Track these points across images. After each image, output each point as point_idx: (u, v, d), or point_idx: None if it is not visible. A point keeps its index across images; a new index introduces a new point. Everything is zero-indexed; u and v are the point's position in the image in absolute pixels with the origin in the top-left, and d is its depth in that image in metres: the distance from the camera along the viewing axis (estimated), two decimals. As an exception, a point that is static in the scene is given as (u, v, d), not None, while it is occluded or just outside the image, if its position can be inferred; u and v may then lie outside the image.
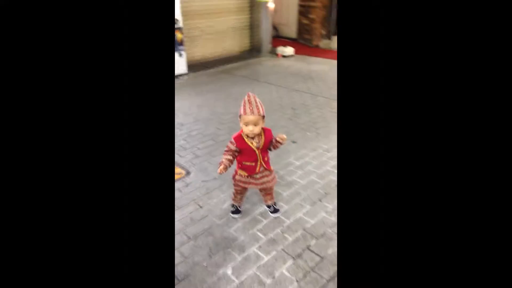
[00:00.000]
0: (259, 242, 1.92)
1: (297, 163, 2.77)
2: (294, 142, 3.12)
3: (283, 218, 2.11)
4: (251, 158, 1.85)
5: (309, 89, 4.67)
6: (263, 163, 1.88)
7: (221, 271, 1.73)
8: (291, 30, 7.87)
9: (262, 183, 1.95)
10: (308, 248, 1.87)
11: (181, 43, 5.38)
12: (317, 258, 1.79)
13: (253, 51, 7.14)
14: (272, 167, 1.98)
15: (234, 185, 2.04)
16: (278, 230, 2.01)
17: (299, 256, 1.81)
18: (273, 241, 1.92)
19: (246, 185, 1.98)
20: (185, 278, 1.69)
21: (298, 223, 2.07)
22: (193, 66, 5.94)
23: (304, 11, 7.29)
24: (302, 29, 7.54)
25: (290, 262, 1.78)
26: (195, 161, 2.82)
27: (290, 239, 1.93)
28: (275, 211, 2.14)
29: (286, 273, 1.71)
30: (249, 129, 1.75)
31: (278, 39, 7.68)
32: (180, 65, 5.52)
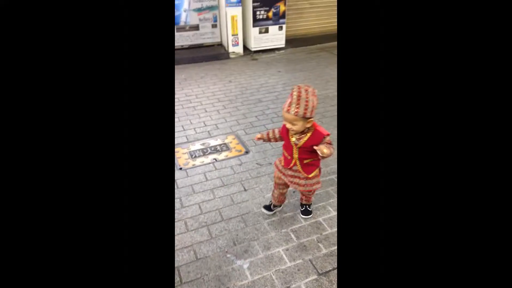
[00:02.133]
0: (288, 244, 1.74)
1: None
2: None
3: (325, 225, 1.87)
4: (287, 151, 1.68)
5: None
6: (298, 163, 1.66)
7: (238, 263, 1.64)
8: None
9: (291, 182, 1.73)
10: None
11: (283, 16, 5.19)
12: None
13: (365, 29, 6.42)
14: (315, 175, 1.69)
15: (275, 172, 1.86)
16: (314, 237, 1.78)
17: (326, 274, 1.57)
18: (303, 248, 1.72)
19: (279, 174, 1.78)
20: (203, 257, 1.67)
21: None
22: (293, 41, 5.71)
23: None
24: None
25: (313, 277, 1.56)
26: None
27: (324, 251, 1.69)
28: (306, 213, 1.94)
29: (303, 289, 1.51)
30: (287, 126, 1.57)
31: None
32: (278, 38, 5.37)
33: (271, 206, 1.96)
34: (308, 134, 1.57)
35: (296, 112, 1.47)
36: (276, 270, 1.60)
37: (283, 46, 5.46)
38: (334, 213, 1.95)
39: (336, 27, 6.18)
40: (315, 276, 1.56)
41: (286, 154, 1.69)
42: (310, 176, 1.68)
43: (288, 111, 1.48)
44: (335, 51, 5.27)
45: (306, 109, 1.47)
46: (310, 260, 1.65)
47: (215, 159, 2.55)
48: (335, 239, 1.76)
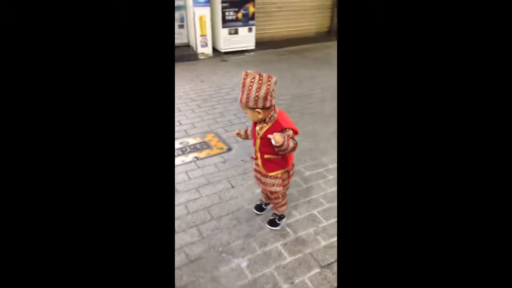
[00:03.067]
0: (286, 239, 1.66)
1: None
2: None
3: (320, 217, 1.81)
4: (254, 142, 1.55)
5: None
6: (259, 156, 1.53)
7: (235, 262, 1.53)
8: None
9: (255, 177, 1.64)
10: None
11: (252, 17, 5.18)
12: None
13: (331, 34, 6.63)
14: (276, 176, 1.55)
15: None
16: (311, 230, 1.72)
17: (329, 266, 1.51)
18: (302, 242, 1.64)
19: (255, 167, 1.63)
20: (197, 259, 1.53)
21: (335, 227, 1.74)
22: (262, 43, 5.72)
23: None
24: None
25: (316, 270, 1.49)
26: (236, 138, 2.64)
27: (323, 243, 1.63)
28: (271, 223, 1.72)
29: (308, 283, 1.43)
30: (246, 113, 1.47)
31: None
32: (248, 40, 5.34)
33: (262, 205, 1.84)
34: (269, 124, 1.44)
35: (247, 101, 1.35)
36: (276, 266, 1.50)
37: (253, 48, 5.43)
38: (327, 205, 1.90)
39: (302, 31, 6.34)
40: (317, 269, 1.49)
41: (254, 147, 1.58)
42: (269, 174, 1.54)
43: (240, 100, 1.40)
44: (304, 54, 5.36)
45: (248, 99, 1.34)
46: (310, 253, 1.57)
47: (196, 157, 2.41)
48: (333, 230, 1.71)
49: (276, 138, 1.31)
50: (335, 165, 2.29)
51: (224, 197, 1.97)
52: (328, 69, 4.55)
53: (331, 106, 3.30)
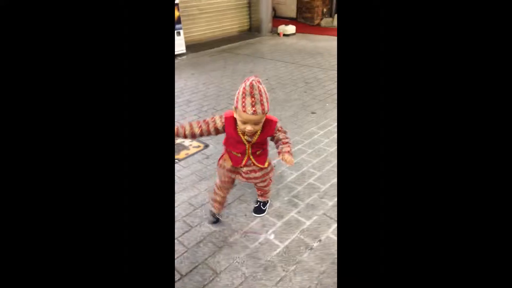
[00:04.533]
0: (298, 208, 1.80)
1: (321, 132, 2.65)
2: (313, 113, 2.99)
3: (318, 184, 2.00)
4: (237, 149, 1.44)
5: (319, 64, 4.52)
6: (252, 158, 1.46)
7: (262, 237, 1.61)
8: (290, 9, 7.66)
9: (248, 178, 1.55)
10: (350, 211, 1.76)
11: (178, 21, 5.15)
12: (363, 221, 1.69)
13: (252, 31, 6.93)
14: (269, 164, 1.56)
15: (218, 171, 1.59)
16: (315, 196, 1.89)
17: (343, 219, 1.71)
18: (312, 207, 1.81)
19: (231, 175, 1.55)
20: (225, 245, 1.57)
21: (335, 188, 1.95)
22: (191, 46, 5.71)
23: (303, -11, 7.09)
24: (302, 7, 7.34)
25: (334, 225, 1.67)
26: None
27: (330, 203, 1.82)
28: (258, 211, 1.73)
29: (333, 236, 1.60)
30: (246, 128, 1.30)
31: (277, 19, 7.47)
32: (178, 44, 5.29)
33: (216, 216, 1.69)
34: (260, 128, 1.36)
35: (263, 108, 1.24)
36: (300, 231, 1.64)
37: (184, 52, 5.40)
38: (319, 173, 2.10)
39: (226, 31, 6.51)
40: (335, 225, 1.67)
41: (234, 153, 1.46)
42: (265, 166, 1.53)
43: (255, 112, 1.23)
44: (235, 51, 5.53)
45: (268, 102, 1.28)
46: (324, 213, 1.75)
47: (176, 159, 2.38)
48: (334, 191, 1.92)
49: (290, 160, 1.34)
50: (309, 140, 2.52)
51: (224, 187, 2.01)
52: (263, 62, 4.80)
53: (282, 93, 3.54)
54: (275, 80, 3.96)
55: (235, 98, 1.29)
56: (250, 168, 1.51)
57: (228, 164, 1.51)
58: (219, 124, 1.39)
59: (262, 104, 1.24)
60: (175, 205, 1.86)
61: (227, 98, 3.43)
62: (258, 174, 1.53)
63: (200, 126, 1.40)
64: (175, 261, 1.50)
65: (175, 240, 1.61)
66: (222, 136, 1.49)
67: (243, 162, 1.47)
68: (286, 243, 1.57)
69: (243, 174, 1.54)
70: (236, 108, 1.30)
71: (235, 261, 1.49)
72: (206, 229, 1.68)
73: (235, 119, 1.35)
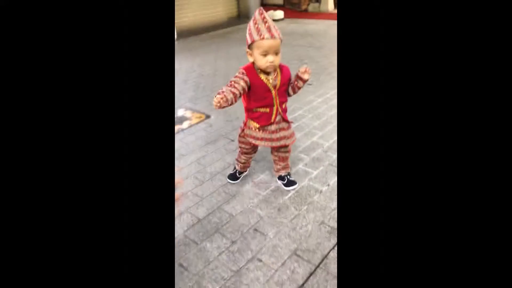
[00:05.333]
0: (304, 161, 1.88)
1: (319, 99, 2.73)
2: (310, 84, 3.08)
3: (321, 141, 2.09)
4: (265, 101, 1.40)
5: (310, 44, 4.61)
6: (280, 110, 1.44)
7: (272, 186, 1.69)
8: (277, -4, 7.72)
9: (279, 139, 1.48)
10: (354, 161, 1.86)
11: (170, 7, 5.14)
12: (366, 168, 1.79)
13: (241, 17, 6.97)
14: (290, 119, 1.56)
15: (240, 143, 1.58)
16: (320, 151, 1.98)
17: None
18: (317, 159, 1.89)
19: (257, 142, 1.49)
20: (237, 194, 1.64)
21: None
22: (182, 33, 5.72)
23: (290, -25, 7.16)
24: (289, -6, 7.41)
25: (340, 173, 1.76)
26: (212, 106, 2.72)
27: (334, 156, 1.91)
28: (290, 183, 1.64)
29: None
30: (268, 61, 1.29)
31: (264, 7, 7.52)
32: (171, 30, 5.29)
33: (237, 174, 1.73)
34: (279, 70, 1.39)
35: (278, 33, 1.28)
36: (309, 179, 1.72)
37: (176, 38, 5.40)
38: (321, 132, 2.19)
39: (215, 18, 6.52)
40: (341, 172, 1.76)
41: (262, 110, 1.42)
42: (290, 121, 1.52)
43: (272, 36, 1.25)
44: (226, 36, 5.56)
45: (277, 30, 1.30)
46: (329, 164, 1.84)
47: (180, 128, 2.42)
48: (337, 146, 2.01)
49: (307, 68, 1.38)
50: (309, 107, 2.60)
51: (230, 148, 2.08)
52: (256, 44, 4.86)
53: (277, 69, 3.61)
54: (269, 59, 4.02)
55: (248, 34, 1.31)
56: (279, 126, 1.46)
57: (254, 128, 1.46)
58: (244, 79, 1.35)
59: (276, 29, 1.28)
60: (186, 165, 1.91)
61: (223, 77, 3.48)
62: (288, 132, 1.49)
63: (234, 91, 1.32)
64: (192, 207, 1.56)
65: (189, 193, 1.67)
66: (223, 112, 1.49)
67: (273, 117, 1.43)
68: (297, 189, 1.65)
69: (273, 135, 1.46)
70: (253, 43, 1.29)
71: (249, 205, 1.56)
72: (218, 182, 1.74)
73: (253, 68, 1.37)
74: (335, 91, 2.88)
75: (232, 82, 1.34)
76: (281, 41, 1.30)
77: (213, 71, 3.73)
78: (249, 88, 1.38)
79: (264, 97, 1.39)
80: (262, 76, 1.36)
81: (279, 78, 1.38)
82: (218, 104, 1.26)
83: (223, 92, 1.29)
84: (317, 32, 5.32)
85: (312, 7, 7.15)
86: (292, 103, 2.63)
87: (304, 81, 1.43)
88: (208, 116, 2.59)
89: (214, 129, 2.36)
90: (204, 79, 3.49)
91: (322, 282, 1.17)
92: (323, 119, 2.38)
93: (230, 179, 1.74)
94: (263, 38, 1.26)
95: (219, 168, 1.87)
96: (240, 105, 1.57)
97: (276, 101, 1.41)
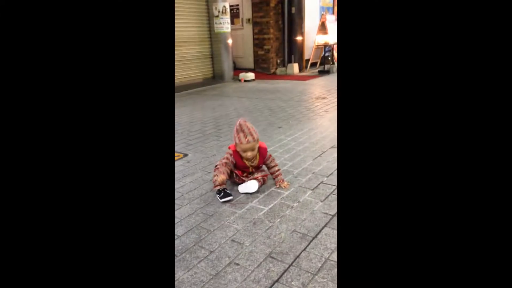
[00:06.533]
0: (276, 184, 2.03)
1: (289, 138, 2.98)
2: (279, 127, 3.36)
3: (292, 169, 2.27)
4: (244, 170, 2.00)
5: (279, 98, 5.05)
6: (254, 171, 2.03)
7: (248, 205, 1.80)
8: (248, 61, 8.50)
9: (250, 176, 2.03)
10: (322, 182, 2.03)
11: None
12: (332, 187, 1.96)
13: (216, 78, 7.53)
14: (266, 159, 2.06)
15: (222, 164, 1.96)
16: (290, 176, 2.15)
17: (316, 188, 1.96)
18: (289, 183, 2.05)
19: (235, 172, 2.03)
20: (214, 213, 1.73)
21: (307, 170, 2.23)
22: (161, 91, 6.06)
23: (259, 43, 8.02)
24: (259, 59, 8.20)
25: (309, 192, 1.92)
26: (189, 147, 2.89)
27: (303, 180, 2.08)
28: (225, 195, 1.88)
29: (309, 198, 1.84)
30: (247, 156, 1.90)
31: (237, 70, 8.21)
32: (150, 87, 5.60)
33: (225, 190, 1.88)
34: (258, 152, 1.95)
35: (253, 137, 1.85)
36: (281, 198, 1.86)
37: (154, 94, 5.71)
38: (290, 163, 2.38)
39: (191, 79, 7.02)
40: (310, 191, 1.92)
41: (240, 172, 1.98)
42: (261, 168, 2.07)
43: (248, 141, 1.83)
44: (203, 93, 5.95)
45: (255, 132, 1.89)
46: (299, 186, 1.99)
47: (159, 165, 2.53)
48: (305, 172, 2.18)
49: (286, 185, 1.98)
50: (279, 144, 2.83)
51: (207, 178, 2.20)
52: (229, 99, 5.24)
53: (250, 117, 3.91)
54: (243, 110, 4.35)
55: (234, 138, 1.90)
56: (252, 176, 1.99)
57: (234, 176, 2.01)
58: (231, 159, 1.93)
59: (251, 135, 1.86)
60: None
61: (199, 124, 3.71)
62: (259, 174, 2.00)
63: (227, 165, 1.92)
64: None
65: (168, 214, 1.74)
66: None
67: (248, 174, 2.01)
68: (270, 206, 1.78)
69: (248, 175, 2.01)
70: (236, 144, 1.89)
71: (226, 222, 1.65)
72: (196, 205, 1.83)
73: (238, 152, 1.93)
74: (302, 132, 3.17)
75: (224, 163, 1.92)
76: (258, 140, 1.90)
77: (189, 119, 3.96)
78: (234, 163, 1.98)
79: (244, 168, 1.99)
80: (244, 159, 1.93)
81: (257, 161, 1.98)
82: (218, 186, 1.89)
83: (221, 173, 1.89)
84: (285, 88, 5.86)
85: (279, 70, 7.91)
86: (265, 141, 2.86)
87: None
88: (185, 155, 2.73)
89: (192, 165, 2.49)
90: (181, 126, 3.69)
91: (296, 276, 1.25)
92: (293, 153, 2.60)
93: (223, 197, 1.84)
94: (241, 143, 1.86)
95: (197, 194, 1.97)
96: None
97: (253, 170, 2.02)
